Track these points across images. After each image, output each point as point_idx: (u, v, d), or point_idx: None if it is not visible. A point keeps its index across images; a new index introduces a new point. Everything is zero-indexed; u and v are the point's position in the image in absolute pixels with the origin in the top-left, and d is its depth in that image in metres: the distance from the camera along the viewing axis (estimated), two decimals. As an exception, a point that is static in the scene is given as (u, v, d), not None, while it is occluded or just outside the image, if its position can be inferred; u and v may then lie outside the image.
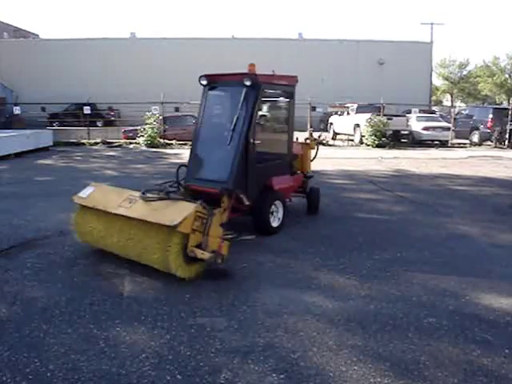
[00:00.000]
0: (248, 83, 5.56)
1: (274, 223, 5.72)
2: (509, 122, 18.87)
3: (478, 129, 20.06)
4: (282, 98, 6.75)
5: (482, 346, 3.09)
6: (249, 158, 5.42)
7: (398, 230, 6.06)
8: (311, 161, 7.14)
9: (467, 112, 22.78)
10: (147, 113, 17.76)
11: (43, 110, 21.33)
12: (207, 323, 3.38)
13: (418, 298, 3.86)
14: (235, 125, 5.41)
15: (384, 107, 18.91)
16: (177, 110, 20.45)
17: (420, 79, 31.12)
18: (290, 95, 6.43)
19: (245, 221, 5.65)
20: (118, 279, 4.21)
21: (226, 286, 4.08)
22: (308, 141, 7.31)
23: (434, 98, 45.86)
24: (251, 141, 5.41)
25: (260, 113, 5.93)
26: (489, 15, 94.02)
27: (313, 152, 7.25)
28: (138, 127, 18.19)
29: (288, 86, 6.40)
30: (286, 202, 6.04)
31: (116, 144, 18.30)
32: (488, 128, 19.45)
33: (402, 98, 23.09)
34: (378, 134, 17.81)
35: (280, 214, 5.82)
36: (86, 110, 19.53)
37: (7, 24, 39.82)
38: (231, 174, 5.29)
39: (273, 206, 5.69)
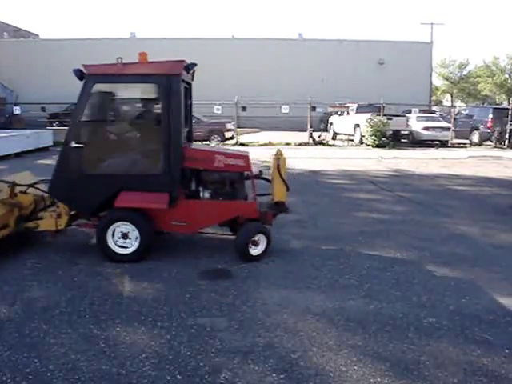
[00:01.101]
0: (77, 76, 4.86)
1: (121, 250, 4.62)
2: (509, 122, 18.87)
3: (477, 129, 20.06)
4: (145, 93, 5.29)
5: (481, 346, 3.09)
6: (70, 164, 4.68)
7: (397, 229, 6.05)
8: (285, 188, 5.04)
9: (467, 112, 22.77)
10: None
11: (43, 109, 21.28)
12: (207, 323, 3.38)
13: (418, 298, 3.86)
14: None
15: (384, 107, 18.90)
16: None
17: (420, 79, 31.10)
18: (164, 88, 4.58)
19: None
20: (118, 279, 4.21)
21: (226, 286, 4.08)
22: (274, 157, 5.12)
23: (434, 98, 45.86)
24: (71, 144, 4.60)
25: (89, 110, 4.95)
26: (489, 15, 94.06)
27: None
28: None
29: (157, 75, 4.64)
30: (143, 227, 4.59)
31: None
32: (488, 128, 19.44)
33: (402, 97, 23.10)
34: (377, 133, 17.81)
35: (128, 245, 4.63)
36: (86, 109, 19.48)
37: (7, 24, 39.82)
38: (51, 180, 4.82)
39: (110, 229, 4.59)
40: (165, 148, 4.65)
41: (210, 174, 4.84)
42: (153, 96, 5.00)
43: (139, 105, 5.55)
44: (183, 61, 4.68)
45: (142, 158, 5.08)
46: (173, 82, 4.56)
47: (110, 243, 4.63)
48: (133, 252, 4.63)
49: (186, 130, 5.33)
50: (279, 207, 5.03)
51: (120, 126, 5.40)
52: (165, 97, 4.60)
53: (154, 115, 5.09)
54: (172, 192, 4.62)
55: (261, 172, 5.29)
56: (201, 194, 4.92)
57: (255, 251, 4.74)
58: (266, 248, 4.79)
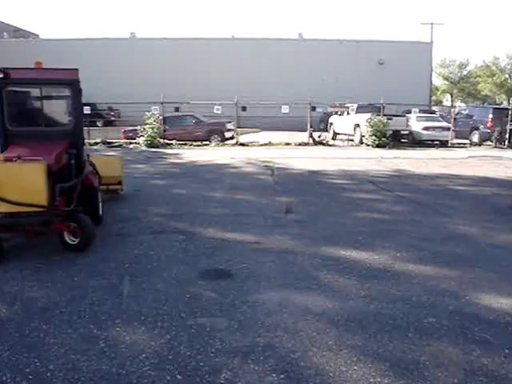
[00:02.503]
0: None
1: None
2: (509, 122, 18.87)
3: (477, 129, 20.07)
4: None
5: (482, 346, 3.09)
6: None
7: (397, 229, 6.05)
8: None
9: (467, 112, 22.77)
10: (147, 113, 17.77)
11: (43, 109, 21.29)
12: (207, 323, 3.38)
13: (418, 297, 3.86)
14: None
15: (384, 107, 18.90)
16: (177, 109, 20.46)
17: (420, 79, 31.13)
18: None
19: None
20: (118, 279, 4.21)
21: (226, 286, 4.08)
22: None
23: (434, 98, 45.87)
24: None
25: None
26: (489, 15, 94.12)
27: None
28: (138, 127, 18.19)
29: None
30: None
31: (116, 144, 18.30)
32: (488, 128, 19.45)
33: (402, 97, 23.08)
34: (378, 133, 17.80)
35: None
36: (86, 109, 19.44)
37: (7, 24, 39.81)
38: None
39: None
40: None
41: None
42: None
43: None
44: None
45: None
46: None
47: None
48: None
49: None
50: None
51: None
52: None
53: None
54: None
55: None
56: None
57: None
58: None
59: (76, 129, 5.80)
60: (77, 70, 5.56)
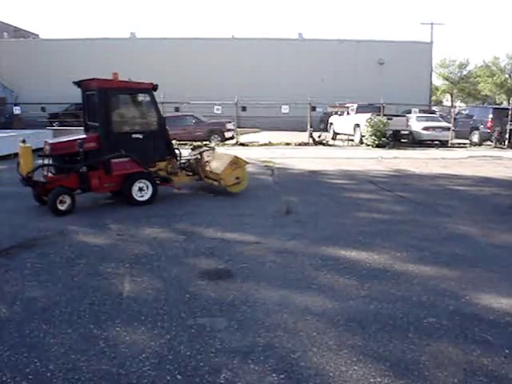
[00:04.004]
0: None
1: None
2: (509, 122, 18.87)
3: (477, 129, 20.06)
4: None
5: (481, 346, 3.09)
6: None
7: (397, 229, 6.05)
8: None
9: (467, 112, 22.76)
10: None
11: (43, 110, 21.30)
12: (207, 323, 3.38)
13: (418, 298, 3.86)
14: None
15: (384, 107, 18.90)
16: (177, 110, 20.43)
17: (420, 79, 31.10)
18: None
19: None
20: (118, 279, 4.21)
21: (226, 286, 4.08)
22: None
23: (434, 98, 45.87)
24: None
25: None
26: (489, 15, 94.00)
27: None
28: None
29: None
30: None
31: (116, 144, 18.27)
32: (488, 128, 19.44)
33: (402, 97, 23.08)
34: (378, 133, 17.80)
35: None
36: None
37: (7, 24, 39.74)
38: None
39: None
40: None
41: None
42: None
43: None
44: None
45: None
46: None
47: None
48: None
49: None
50: None
51: None
52: None
53: None
54: None
55: None
56: None
57: None
58: None
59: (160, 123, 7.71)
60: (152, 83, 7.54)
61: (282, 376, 2.74)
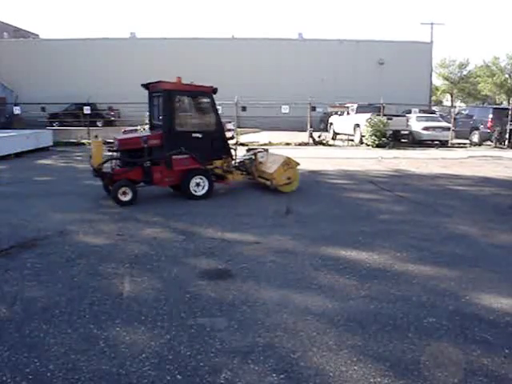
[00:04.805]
0: None
1: None
2: (509, 122, 18.88)
3: (477, 129, 20.07)
4: None
5: (481, 346, 3.09)
6: None
7: (398, 229, 6.05)
8: None
9: (467, 112, 22.77)
10: (147, 113, 17.73)
11: (43, 109, 21.32)
12: (207, 323, 3.38)
13: (418, 298, 3.86)
14: None
15: (384, 107, 18.91)
16: (177, 109, 20.42)
17: (420, 79, 31.12)
18: None
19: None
20: (118, 279, 4.21)
21: (226, 286, 4.08)
22: None
23: (434, 98, 45.89)
24: None
25: None
26: (489, 15, 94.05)
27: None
28: (138, 127, 18.19)
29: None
30: None
31: (116, 144, 18.27)
32: (488, 128, 19.45)
33: (402, 97, 23.11)
34: (378, 133, 17.81)
35: None
36: (86, 109, 19.53)
37: (7, 24, 39.78)
38: None
39: None
40: None
41: None
42: None
43: None
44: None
45: None
46: None
47: None
48: None
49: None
50: None
51: None
52: None
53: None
54: None
55: None
56: None
57: None
58: None
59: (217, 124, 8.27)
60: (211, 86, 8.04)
61: (281, 376, 2.74)
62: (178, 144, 7.66)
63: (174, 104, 7.79)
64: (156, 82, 8.07)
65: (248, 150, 9.54)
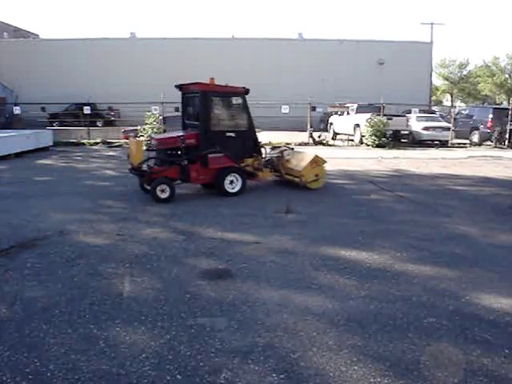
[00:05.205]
0: None
1: None
2: (509, 122, 18.87)
3: (477, 129, 20.07)
4: None
5: (481, 346, 3.09)
6: None
7: (398, 229, 6.05)
8: None
9: (467, 112, 22.77)
10: (147, 113, 17.77)
11: (43, 109, 21.30)
12: (207, 323, 3.38)
13: (418, 298, 3.86)
14: None
15: (384, 107, 18.90)
16: (177, 110, 20.35)
17: (420, 79, 31.12)
18: None
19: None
20: (118, 279, 4.21)
21: (226, 286, 4.08)
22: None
23: (434, 98, 45.90)
24: None
25: None
26: (489, 15, 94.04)
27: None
28: (138, 127, 18.20)
29: None
30: None
31: (116, 144, 18.30)
32: (488, 128, 19.45)
33: (402, 97, 23.10)
34: (378, 133, 17.81)
35: None
36: (86, 110, 19.51)
37: (7, 24, 39.79)
38: None
39: None
40: None
41: None
42: None
43: None
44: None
45: None
46: None
47: None
48: None
49: None
50: None
51: None
52: None
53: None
54: None
55: None
56: None
57: None
58: None
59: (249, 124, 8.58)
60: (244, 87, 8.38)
61: (281, 376, 2.74)
62: (213, 143, 7.98)
63: (209, 105, 8.08)
64: (190, 84, 8.42)
65: (272, 148, 9.84)
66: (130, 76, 29.57)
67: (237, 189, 8.22)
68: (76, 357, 2.92)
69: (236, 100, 8.49)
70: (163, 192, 7.54)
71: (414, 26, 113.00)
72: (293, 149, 9.69)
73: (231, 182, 8.20)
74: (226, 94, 8.43)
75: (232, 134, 8.30)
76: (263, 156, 8.93)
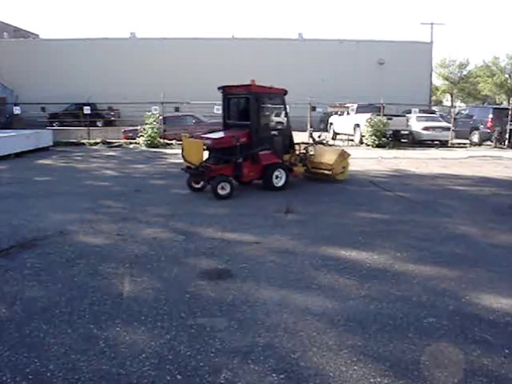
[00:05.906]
0: None
1: None
2: (509, 122, 18.87)
3: (477, 129, 20.06)
4: None
5: (481, 346, 3.09)
6: None
7: (397, 229, 6.05)
8: None
9: (467, 112, 22.76)
10: (147, 113, 17.77)
11: (43, 109, 21.32)
12: (207, 323, 3.38)
13: (418, 298, 3.86)
14: None
15: (384, 107, 18.90)
16: (177, 109, 20.44)
17: (420, 79, 31.12)
18: None
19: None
20: (118, 279, 4.21)
21: (226, 286, 4.08)
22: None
23: (434, 98, 45.89)
24: None
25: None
26: (489, 15, 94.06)
27: None
28: (138, 127, 18.19)
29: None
30: None
31: (116, 144, 18.31)
32: (488, 128, 19.44)
33: (402, 97, 23.09)
34: (378, 133, 17.80)
35: None
36: (86, 110, 19.51)
37: (7, 24, 39.80)
38: None
39: None
40: None
41: None
42: None
43: None
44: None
45: None
46: None
47: None
48: None
49: None
50: None
51: None
52: None
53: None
54: None
55: None
56: None
57: None
58: None
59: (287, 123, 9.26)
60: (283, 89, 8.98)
61: (281, 376, 2.74)
62: (262, 141, 8.52)
63: (259, 105, 8.60)
64: (235, 86, 8.93)
65: (296, 144, 10.30)
66: (129, 76, 29.57)
67: (281, 183, 8.70)
68: (76, 357, 2.92)
69: (278, 100, 9.13)
70: (223, 189, 7.87)
71: (414, 26, 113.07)
72: (313, 144, 10.35)
73: (276, 176, 8.64)
74: (271, 94, 9.08)
75: (275, 132, 8.91)
76: (297, 152, 9.44)
